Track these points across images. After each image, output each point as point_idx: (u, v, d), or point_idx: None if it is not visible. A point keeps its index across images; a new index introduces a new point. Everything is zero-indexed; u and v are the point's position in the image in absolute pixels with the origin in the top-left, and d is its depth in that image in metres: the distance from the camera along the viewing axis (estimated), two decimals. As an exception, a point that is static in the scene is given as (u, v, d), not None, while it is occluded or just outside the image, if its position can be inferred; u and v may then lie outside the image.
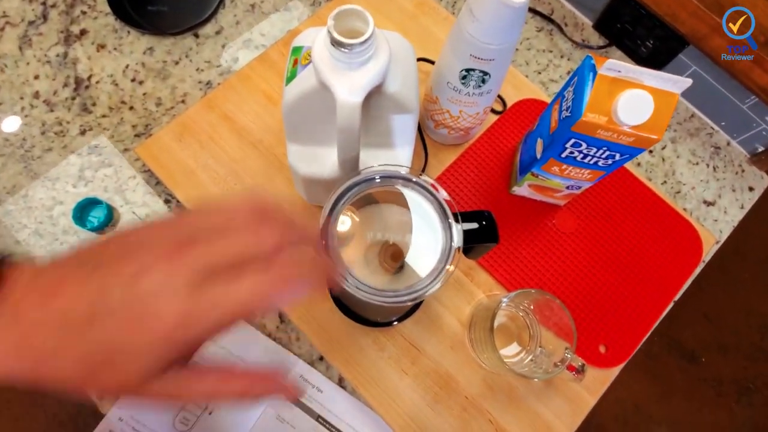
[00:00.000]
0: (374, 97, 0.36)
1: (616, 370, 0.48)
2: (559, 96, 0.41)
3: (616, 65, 0.33)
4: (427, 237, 0.39)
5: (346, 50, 0.31)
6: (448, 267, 0.32)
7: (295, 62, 0.38)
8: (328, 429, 0.47)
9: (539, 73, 0.63)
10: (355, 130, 0.34)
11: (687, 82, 0.33)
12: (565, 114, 0.38)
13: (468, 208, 0.52)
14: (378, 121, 0.39)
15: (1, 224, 0.51)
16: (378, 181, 0.35)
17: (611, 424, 1.29)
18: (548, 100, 0.57)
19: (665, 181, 0.59)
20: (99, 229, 0.51)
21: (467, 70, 0.40)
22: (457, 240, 0.33)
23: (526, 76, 0.61)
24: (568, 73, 0.63)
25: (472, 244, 0.34)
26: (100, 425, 0.44)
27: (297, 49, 0.38)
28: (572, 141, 0.38)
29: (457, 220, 0.34)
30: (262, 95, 0.55)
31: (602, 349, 0.48)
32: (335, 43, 0.30)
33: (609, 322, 0.49)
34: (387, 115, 0.39)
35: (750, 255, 1.49)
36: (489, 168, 0.53)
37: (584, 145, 0.38)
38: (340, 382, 0.48)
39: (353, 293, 0.31)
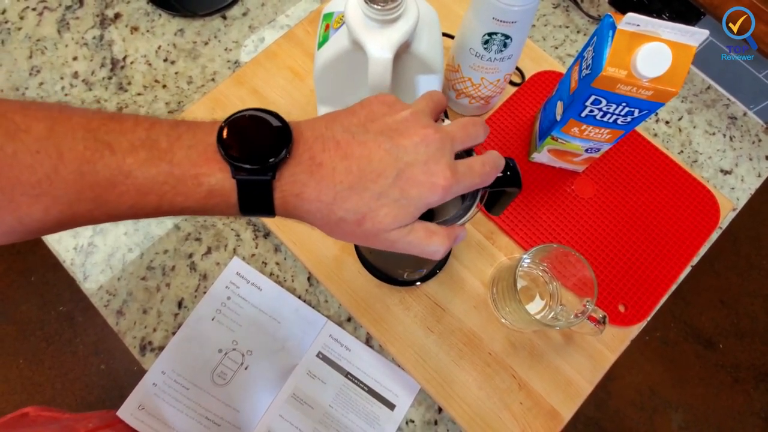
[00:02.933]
0: (402, 57, 0.38)
1: (635, 329, 0.50)
2: (579, 58, 0.42)
3: (635, 19, 0.35)
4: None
5: (378, 7, 0.33)
6: (477, 203, 0.34)
7: (327, 27, 0.40)
8: (356, 384, 0.49)
9: (556, 48, 0.64)
10: (386, 87, 0.36)
11: (703, 33, 0.34)
12: (585, 72, 0.40)
13: (489, 175, 0.53)
14: (405, 82, 0.41)
15: (45, 195, 0.54)
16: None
17: (628, 409, 1.30)
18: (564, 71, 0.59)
19: (682, 151, 0.60)
20: (137, 198, 0.54)
21: (490, 34, 0.42)
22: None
23: (543, 51, 0.62)
24: (585, 47, 0.64)
25: (497, 188, 0.35)
26: (144, 378, 0.47)
27: (328, 15, 0.40)
28: (592, 98, 0.39)
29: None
30: (288, 71, 0.58)
31: (621, 308, 0.50)
32: (369, 1, 0.33)
33: (628, 283, 0.50)
34: (413, 76, 0.41)
35: (766, 240, 1.48)
36: (509, 137, 0.55)
37: (604, 102, 0.39)
38: (368, 342, 0.50)
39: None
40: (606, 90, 0.38)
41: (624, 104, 0.39)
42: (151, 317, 0.51)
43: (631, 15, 0.35)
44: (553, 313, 0.48)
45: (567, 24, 0.65)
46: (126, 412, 0.45)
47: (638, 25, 0.35)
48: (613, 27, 0.37)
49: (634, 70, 0.36)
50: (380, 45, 0.34)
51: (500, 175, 0.36)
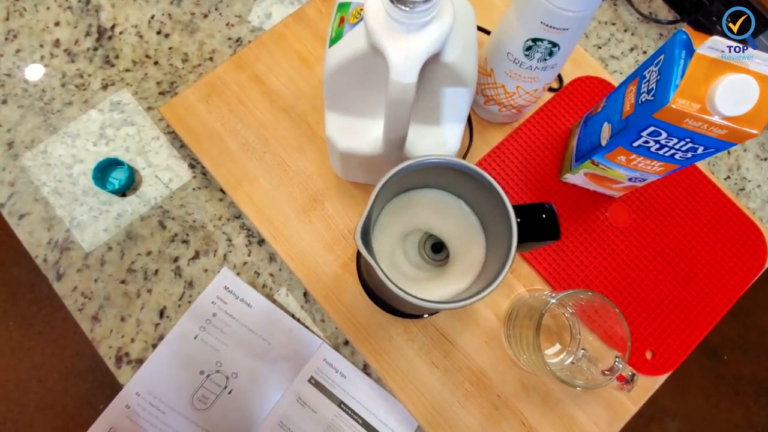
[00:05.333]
0: (429, 65, 0.32)
1: (661, 379, 0.45)
2: (637, 75, 0.36)
3: (720, 44, 0.28)
4: (474, 230, 0.35)
5: (407, 8, 0.26)
6: (503, 273, 0.28)
7: (342, 20, 0.33)
8: (350, 416, 0.45)
9: (599, 47, 0.57)
10: (407, 104, 0.30)
11: (805, 68, 0.28)
12: (645, 97, 0.33)
13: (514, 194, 0.47)
14: (429, 94, 0.35)
15: (19, 180, 0.49)
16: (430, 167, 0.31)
17: (624, 415, 1.28)
18: (609, 79, 0.52)
19: (729, 177, 0.54)
20: (120, 191, 0.48)
21: (534, 41, 0.35)
22: (516, 242, 0.29)
23: (585, 50, 0.55)
24: (631, 49, 0.57)
25: (530, 241, 0.30)
26: (117, 399, 0.43)
27: (344, 6, 0.33)
28: (651, 129, 0.33)
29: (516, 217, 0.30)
30: (296, 57, 0.51)
31: (648, 355, 0.45)
32: (395, 0, 0.26)
33: (658, 327, 0.45)
34: (440, 88, 0.35)
35: (786, 253, 1.42)
36: (539, 151, 0.49)
37: (664, 135, 0.33)
38: (365, 369, 0.46)
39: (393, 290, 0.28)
40: (670, 123, 0.32)
41: (688, 140, 0.33)
42: (130, 326, 0.46)
43: (716, 39, 0.28)
44: (572, 358, 0.43)
45: (613, 20, 0.58)
46: (96, 434, 0.41)
47: (723, 52, 0.29)
48: (688, 47, 0.30)
49: (710, 104, 0.29)
50: (404, 55, 0.28)
51: (535, 221, 0.30)
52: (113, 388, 0.43)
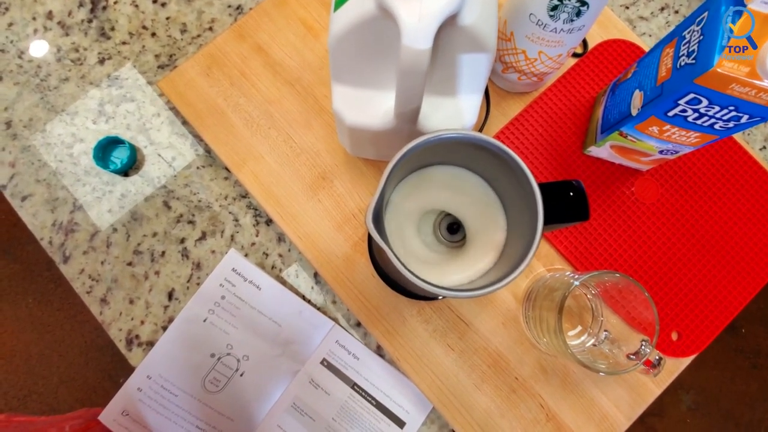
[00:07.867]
0: (444, 29, 0.29)
1: (686, 361, 0.43)
2: (675, 36, 0.32)
3: (778, -3, 0.25)
4: (494, 209, 0.33)
5: (420, -35, 0.23)
6: (528, 257, 0.26)
7: (348, -18, 0.30)
8: (363, 397, 0.44)
9: (627, 8, 0.53)
10: (421, 73, 0.27)
11: None
12: (684, 61, 0.30)
13: (533, 168, 0.45)
14: (445, 61, 0.32)
15: (19, 161, 0.47)
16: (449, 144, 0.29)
17: (638, 387, 1.27)
18: (639, 42, 0.48)
19: (765, 146, 0.50)
20: (122, 171, 0.47)
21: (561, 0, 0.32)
22: (542, 223, 0.27)
23: (611, 11, 0.51)
24: (662, 9, 0.53)
25: (556, 222, 0.28)
26: (128, 382, 0.42)
27: (350, -35, 0.30)
28: (690, 97, 0.30)
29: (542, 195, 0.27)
30: (300, 25, 0.48)
31: (674, 336, 0.43)
32: (408, -45, 0.23)
33: (686, 308, 0.43)
34: (456, 55, 0.32)
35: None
36: (561, 123, 0.46)
37: (704, 103, 0.30)
38: (378, 350, 0.45)
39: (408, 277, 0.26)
40: (713, 89, 0.29)
41: (732, 108, 0.30)
42: (139, 308, 0.45)
43: (774, -10, 0.25)
44: (594, 340, 0.41)
45: (643, -24, 0.53)
46: (108, 417, 0.41)
47: (781, 5, 0.25)
48: (737, 1, 0.27)
49: (761, 67, 0.26)
50: (417, 18, 0.25)
51: (562, 200, 0.28)
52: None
